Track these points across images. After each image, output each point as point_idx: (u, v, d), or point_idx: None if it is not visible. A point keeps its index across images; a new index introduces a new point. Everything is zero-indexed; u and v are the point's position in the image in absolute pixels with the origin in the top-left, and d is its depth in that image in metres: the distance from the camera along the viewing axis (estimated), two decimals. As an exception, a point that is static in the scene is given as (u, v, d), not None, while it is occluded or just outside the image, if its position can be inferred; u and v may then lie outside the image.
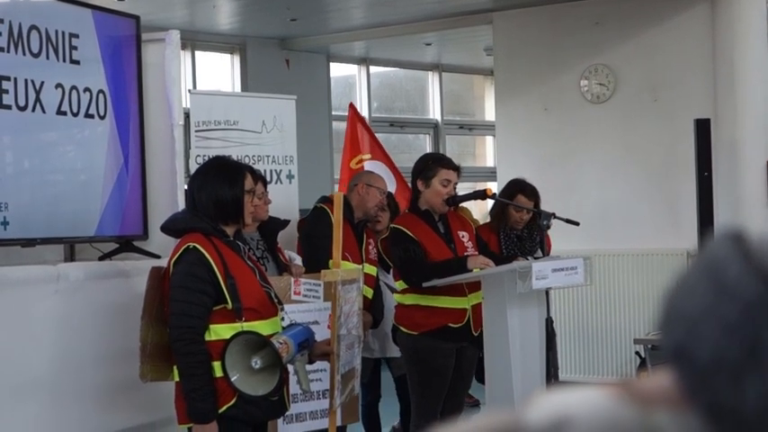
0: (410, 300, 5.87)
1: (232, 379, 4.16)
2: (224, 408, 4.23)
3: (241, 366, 4.17)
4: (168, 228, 4.51)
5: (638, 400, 0.80)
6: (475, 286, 5.78)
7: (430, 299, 5.77)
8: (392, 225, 6.07)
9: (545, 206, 6.40)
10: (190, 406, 4.21)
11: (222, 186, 4.36)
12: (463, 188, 6.22)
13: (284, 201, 6.65)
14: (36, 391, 4.70)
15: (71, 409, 4.87)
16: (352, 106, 8.79)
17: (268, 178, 6.50)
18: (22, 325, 4.68)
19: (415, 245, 5.76)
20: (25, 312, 4.70)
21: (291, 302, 5.17)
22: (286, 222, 5.97)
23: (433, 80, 13.46)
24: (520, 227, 6.46)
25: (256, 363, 4.16)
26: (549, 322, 5.68)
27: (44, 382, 4.75)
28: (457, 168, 5.94)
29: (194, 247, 4.25)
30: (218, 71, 11.27)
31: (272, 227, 5.76)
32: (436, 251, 5.79)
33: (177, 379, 4.32)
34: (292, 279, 5.33)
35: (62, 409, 4.83)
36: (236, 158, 5.86)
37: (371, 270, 6.36)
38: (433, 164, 5.91)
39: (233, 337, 4.18)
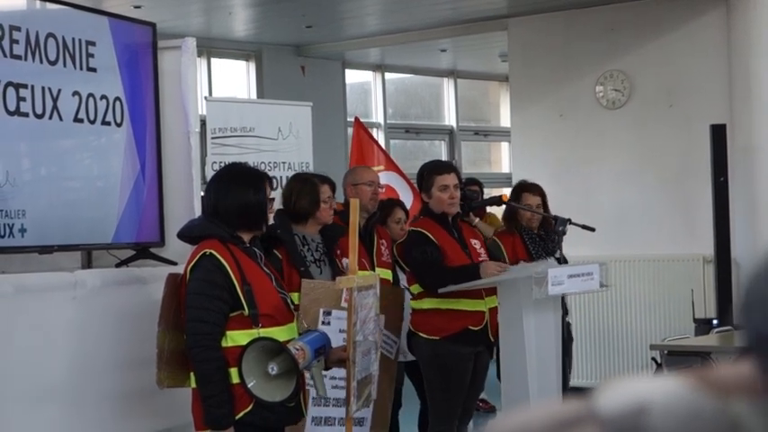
0: (428, 304, 5.87)
1: (249, 385, 4.17)
2: (240, 414, 4.24)
3: (258, 372, 4.18)
4: (185, 234, 4.52)
5: (716, 389, 0.77)
6: (492, 289, 5.79)
7: (449, 302, 5.78)
8: (411, 228, 6.09)
9: (560, 211, 6.48)
10: (206, 412, 4.22)
11: (247, 192, 4.38)
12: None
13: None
14: (54, 397, 4.71)
15: (89, 416, 4.89)
16: (357, 120, 8.71)
17: (284, 185, 6.50)
18: (40, 332, 4.70)
19: (433, 248, 5.78)
20: (43, 319, 4.72)
21: (341, 309, 5.20)
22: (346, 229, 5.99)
23: (448, 86, 13.46)
24: (535, 225, 6.48)
25: (273, 369, 4.16)
26: (568, 327, 5.68)
27: (62, 389, 4.76)
28: (452, 169, 5.98)
29: (211, 253, 4.26)
30: (234, 78, 11.30)
31: (333, 232, 5.71)
32: (454, 254, 5.82)
33: (194, 385, 4.33)
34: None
35: (80, 416, 4.85)
36: (252, 165, 5.90)
37: (386, 274, 6.32)
38: (427, 174, 5.96)
39: (249, 343, 4.19)
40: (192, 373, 4.32)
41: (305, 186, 5.62)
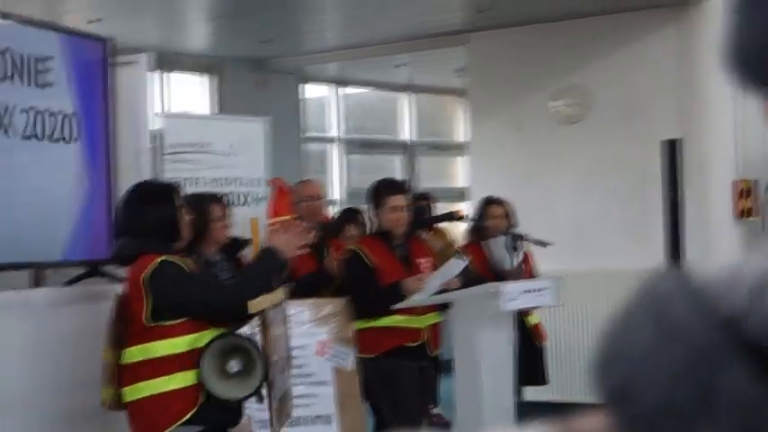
0: (361, 324, 5.83)
1: (208, 382, 4.17)
2: (187, 416, 4.22)
3: (216, 370, 4.20)
4: (120, 256, 4.46)
5: None
6: (432, 306, 5.79)
7: (382, 320, 5.76)
8: (350, 246, 6.09)
9: (518, 225, 6.55)
10: (271, 267, 4.39)
11: (157, 209, 4.36)
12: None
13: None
14: (4, 416, 4.67)
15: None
16: (276, 181, 8.26)
17: (238, 200, 6.47)
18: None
19: (365, 271, 5.76)
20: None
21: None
22: (248, 241, 5.95)
23: (405, 101, 13.48)
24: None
25: (232, 367, 4.20)
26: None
27: (12, 409, 4.72)
28: (405, 191, 6.01)
29: (165, 259, 4.24)
30: (193, 92, 11.26)
31: (234, 247, 5.68)
32: (392, 274, 5.78)
33: (135, 397, 4.30)
34: None
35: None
36: (206, 181, 5.85)
37: None
38: (381, 192, 5.96)
39: (212, 340, 4.19)
40: (125, 389, 4.30)
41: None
